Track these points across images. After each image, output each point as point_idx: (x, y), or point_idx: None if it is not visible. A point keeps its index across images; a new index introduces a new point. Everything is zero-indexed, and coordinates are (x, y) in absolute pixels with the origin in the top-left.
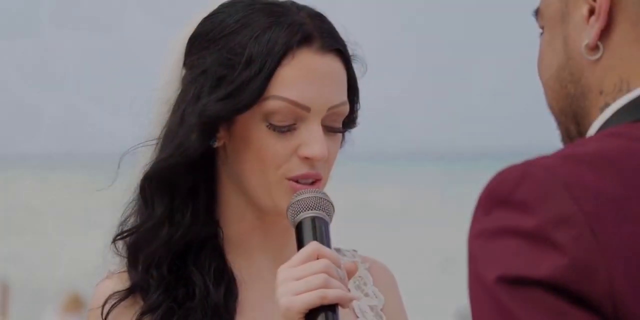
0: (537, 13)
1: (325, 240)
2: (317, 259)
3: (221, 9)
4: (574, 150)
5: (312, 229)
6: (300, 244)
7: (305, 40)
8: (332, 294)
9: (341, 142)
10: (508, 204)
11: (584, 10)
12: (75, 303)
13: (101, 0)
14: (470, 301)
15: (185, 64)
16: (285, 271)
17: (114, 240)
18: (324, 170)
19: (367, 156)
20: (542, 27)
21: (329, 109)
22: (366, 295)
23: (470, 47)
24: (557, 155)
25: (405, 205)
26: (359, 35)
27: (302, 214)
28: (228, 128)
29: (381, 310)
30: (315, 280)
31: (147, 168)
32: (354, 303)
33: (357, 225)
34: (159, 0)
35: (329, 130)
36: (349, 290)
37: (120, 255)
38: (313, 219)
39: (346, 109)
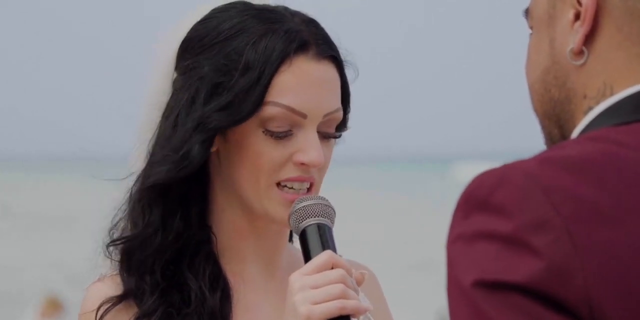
0: (526, 13)
1: (332, 248)
2: (332, 268)
3: (214, 14)
4: (553, 154)
5: (319, 237)
6: (306, 251)
7: (301, 48)
8: (350, 305)
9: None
10: (486, 207)
11: (570, 14)
12: (54, 306)
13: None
14: (448, 305)
15: (177, 68)
16: (301, 279)
17: (108, 246)
18: (318, 176)
19: (349, 159)
20: (532, 28)
21: (325, 115)
22: None
23: (454, 52)
24: (536, 158)
25: (386, 207)
26: (345, 39)
27: (306, 220)
28: (223, 133)
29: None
30: (333, 290)
31: (147, 178)
32: None
33: (338, 228)
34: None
35: (323, 136)
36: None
37: (112, 259)
38: (318, 226)
39: (340, 115)
